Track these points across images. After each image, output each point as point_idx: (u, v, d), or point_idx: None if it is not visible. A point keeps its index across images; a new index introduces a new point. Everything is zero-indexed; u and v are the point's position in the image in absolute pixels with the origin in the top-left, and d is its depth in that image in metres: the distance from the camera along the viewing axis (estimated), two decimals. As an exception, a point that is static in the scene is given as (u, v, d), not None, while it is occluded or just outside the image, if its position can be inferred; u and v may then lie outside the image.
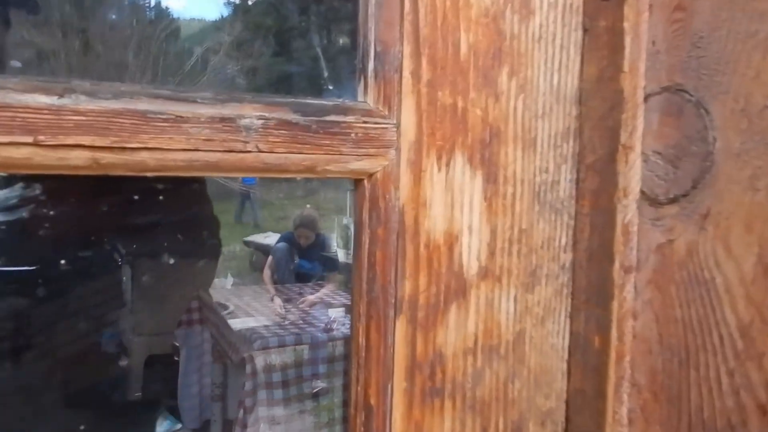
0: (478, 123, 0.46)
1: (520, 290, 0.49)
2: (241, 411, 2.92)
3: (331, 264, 4.47)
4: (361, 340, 0.47)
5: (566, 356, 0.50)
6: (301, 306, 4.15)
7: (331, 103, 0.44)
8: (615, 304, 0.50)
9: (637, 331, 0.51)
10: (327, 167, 0.44)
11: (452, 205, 0.46)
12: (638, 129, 0.49)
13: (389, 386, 0.47)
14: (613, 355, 0.50)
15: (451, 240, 0.47)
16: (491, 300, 0.48)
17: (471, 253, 0.47)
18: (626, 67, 0.48)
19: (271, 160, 0.43)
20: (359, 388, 0.47)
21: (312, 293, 4.27)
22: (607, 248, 0.50)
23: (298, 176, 0.44)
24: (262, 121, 0.42)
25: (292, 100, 0.43)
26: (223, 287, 4.91)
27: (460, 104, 0.46)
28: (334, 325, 3.82)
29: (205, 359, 4.21)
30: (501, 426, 0.49)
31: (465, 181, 0.47)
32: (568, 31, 0.48)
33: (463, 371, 0.48)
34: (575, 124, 0.48)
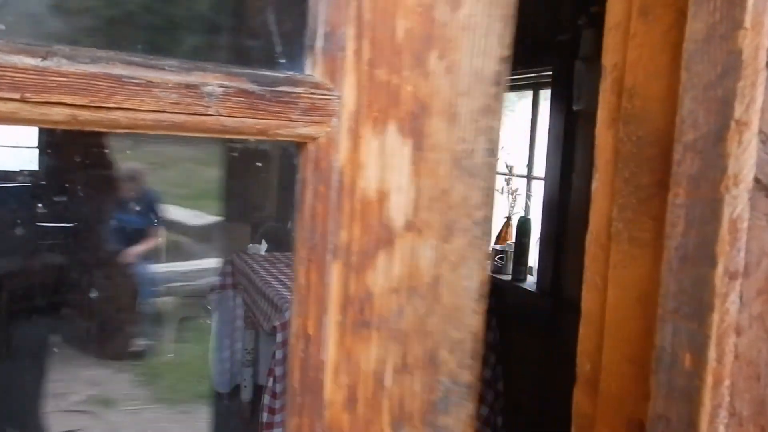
0: (410, 98, 0.54)
1: (439, 241, 0.57)
2: (271, 379, 2.94)
3: (156, 217, 4.50)
4: (303, 280, 0.55)
5: (476, 297, 0.60)
6: (125, 259, 4.16)
7: (283, 75, 0.51)
8: (715, 317, 0.42)
9: (741, 351, 0.42)
10: (278, 131, 0.51)
11: (384, 168, 0.54)
12: (757, 101, 0.40)
13: (325, 319, 0.55)
14: (709, 378, 0.42)
15: (382, 197, 0.55)
16: (414, 248, 0.57)
17: (399, 209, 0.55)
18: (747, 22, 0.39)
19: (229, 123, 0.49)
20: (300, 321, 0.55)
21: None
22: (708, 248, 0.42)
23: (252, 138, 0.51)
24: (223, 89, 0.48)
25: (249, 71, 0.50)
26: (256, 253, 4.70)
27: (394, 81, 0.53)
28: None
29: (237, 324, 4.16)
30: (418, 353, 0.58)
31: (396, 148, 0.54)
32: (490, 22, 0.55)
33: (388, 307, 0.57)
34: (492, 102, 0.57)
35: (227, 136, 0.49)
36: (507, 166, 4.07)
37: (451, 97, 0.55)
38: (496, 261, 3.92)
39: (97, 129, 0.46)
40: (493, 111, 0.57)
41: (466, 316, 0.60)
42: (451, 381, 0.60)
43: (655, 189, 0.48)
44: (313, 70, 0.52)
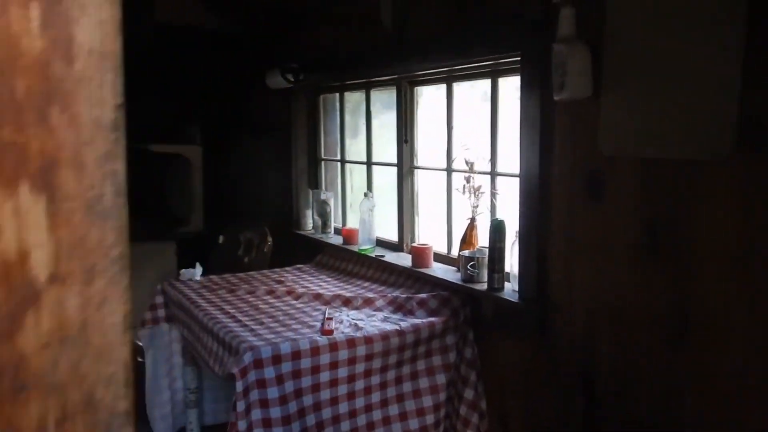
0: (38, 154, 0.54)
1: (82, 286, 0.59)
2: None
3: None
4: (-55, 362, 0.50)
5: (122, 330, 0.63)
6: None
7: None
8: None
9: None
10: None
11: (22, 228, 0.53)
12: None
13: (-20, 395, 0.52)
14: None
15: (24, 257, 0.54)
16: (60, 299, 0.57)
17: (42, 264, 0.55)
18: None
19: None
20: (-52, 406, 0.51)
21: None
22: None
23: None
24: None
25: None
26: (191, 279, 4.02)
27: (20, 140, 0.52)
28: (332, 324, 3.13)
29: (174, 361, 3.83)
30: (77, 398, 0.60)
31: (31, 205, 0.54)
32: (102, 74, 0.58)
33: (43, 363, 0.56)
34: (113, 147, 0.60)
35: None
36: (467, 163, 3.54)
37: (76, 148, 0.57)
38: (468, 269, 3.35)
39: None
40: (115, 155, 0.60)
41: (115, 351, 0.63)
42: (110, 414, 0.63)
43: None
44: (-73, 137, 0.47)
